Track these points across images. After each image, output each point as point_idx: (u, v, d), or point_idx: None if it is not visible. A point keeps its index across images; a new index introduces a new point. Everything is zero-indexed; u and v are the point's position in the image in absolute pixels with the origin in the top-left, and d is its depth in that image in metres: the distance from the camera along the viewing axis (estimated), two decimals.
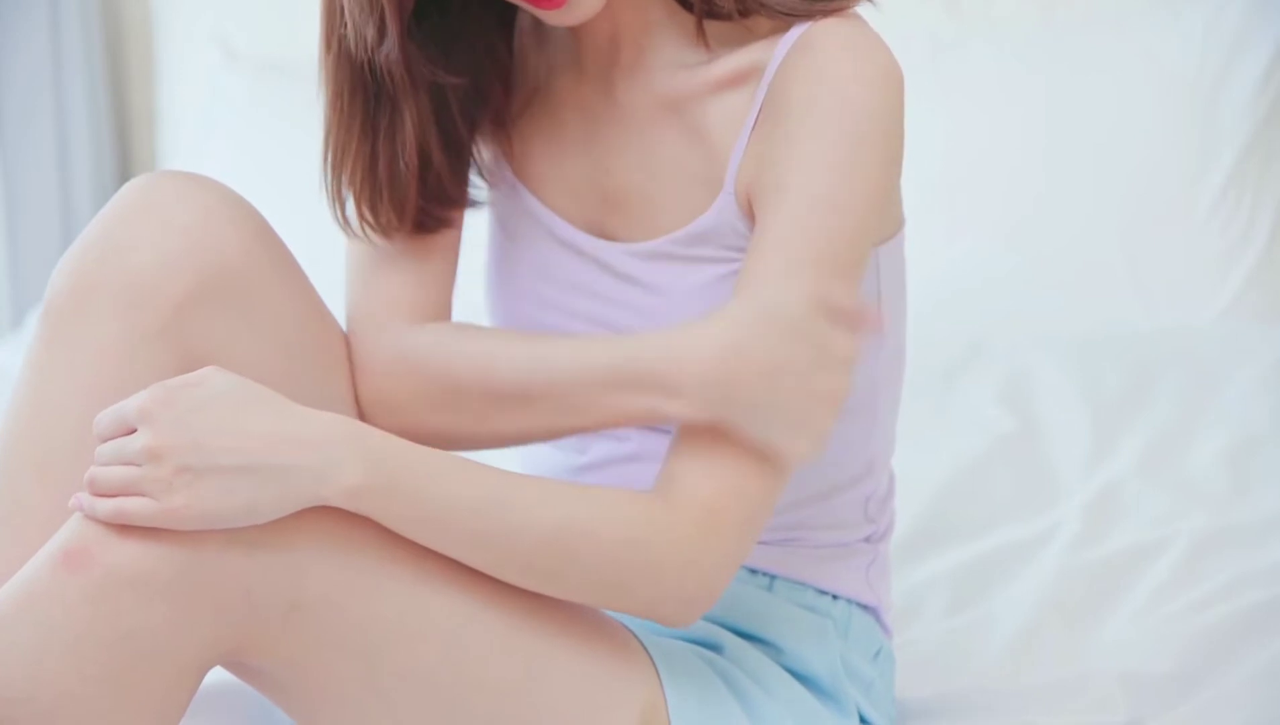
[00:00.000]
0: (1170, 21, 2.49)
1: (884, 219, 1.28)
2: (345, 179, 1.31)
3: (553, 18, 1.24)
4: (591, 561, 1.17)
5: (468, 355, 1.29)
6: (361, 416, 1.32)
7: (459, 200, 1.34)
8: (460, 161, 1.34)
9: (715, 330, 1.17)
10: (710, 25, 1.29)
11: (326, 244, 2.08)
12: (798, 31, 1.25)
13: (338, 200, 1.32)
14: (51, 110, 2.90)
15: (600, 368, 1.22)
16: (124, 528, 1.10)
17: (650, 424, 1.27)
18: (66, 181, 2.94)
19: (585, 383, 1.22)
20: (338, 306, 1.36)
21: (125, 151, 3.08)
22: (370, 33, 1.25)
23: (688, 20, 1.30)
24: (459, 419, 1.29)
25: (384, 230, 1.32)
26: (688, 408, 1.18)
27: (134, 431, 1.10)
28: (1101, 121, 2.46)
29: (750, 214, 1.26)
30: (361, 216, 1.31)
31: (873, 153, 1.22)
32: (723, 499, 1.18)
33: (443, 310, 1.36)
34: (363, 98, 1.29)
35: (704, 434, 1.19)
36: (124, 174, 3.06)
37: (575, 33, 1.33)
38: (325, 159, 1.31)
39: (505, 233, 1.39)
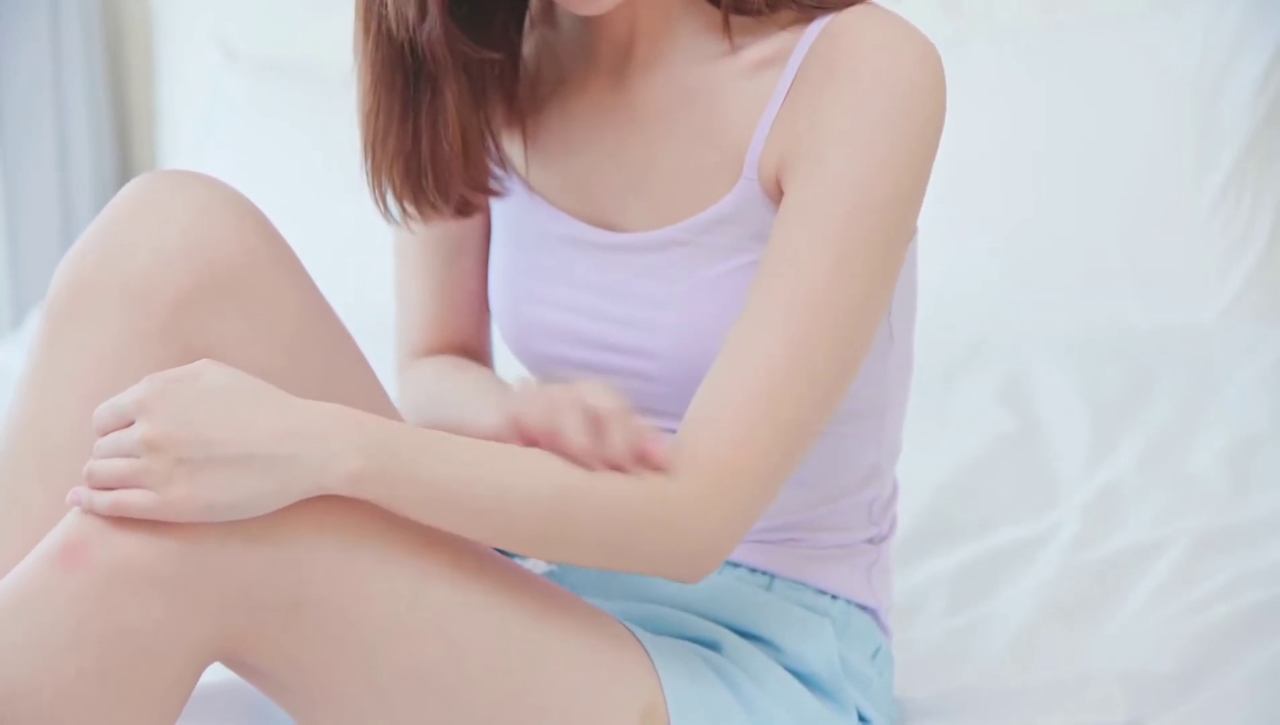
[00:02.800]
0: (1170, 22, 2.49)
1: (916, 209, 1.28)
2: (387, 165, 1.30)
3: (577, 7, 1.23)
4: (598, 526, 1.16)
5: (431, 413, 1.39)
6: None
7: (492, 184, 1.35)
8: (494, 144, 1.34)
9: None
10: (733, 19, 1.29)
11: (327, 244, 2.09)
12: (824, 21, 1.24)
13: (378, 188, 1.32)
14: (51, 110, 2.90)
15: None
16: (122, 523, 1.09)
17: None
18: (66, 181, 2.94)
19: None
20: (340, 305, 1.36)
21: (125, 151, 3.08)
22: (412, 12, 1.25)
23: (710, 13, 1.29)
24: None
25: (425, 216, 1.32)
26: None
27: (132, 424, 1.10)
28: (1102, 121, 2.46)
29: (776, 199, 1.26)
30: (401, 204, 1.32)
31: (910, 137, 1.21)
32: (735, 455, 1.18)
33: (469, 335, 1.45)
34: (403, 81, 1.28)
35: (718, 390, 1.19)
36: (124, 174, 3.06)
37: (591, 24, 1.32)
38: (366, 147, 1.31)
39: (510, 235, 1.39)
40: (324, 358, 1.30)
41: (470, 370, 1.41)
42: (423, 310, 1.44)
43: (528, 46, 1.37)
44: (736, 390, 1.18)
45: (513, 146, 1.38)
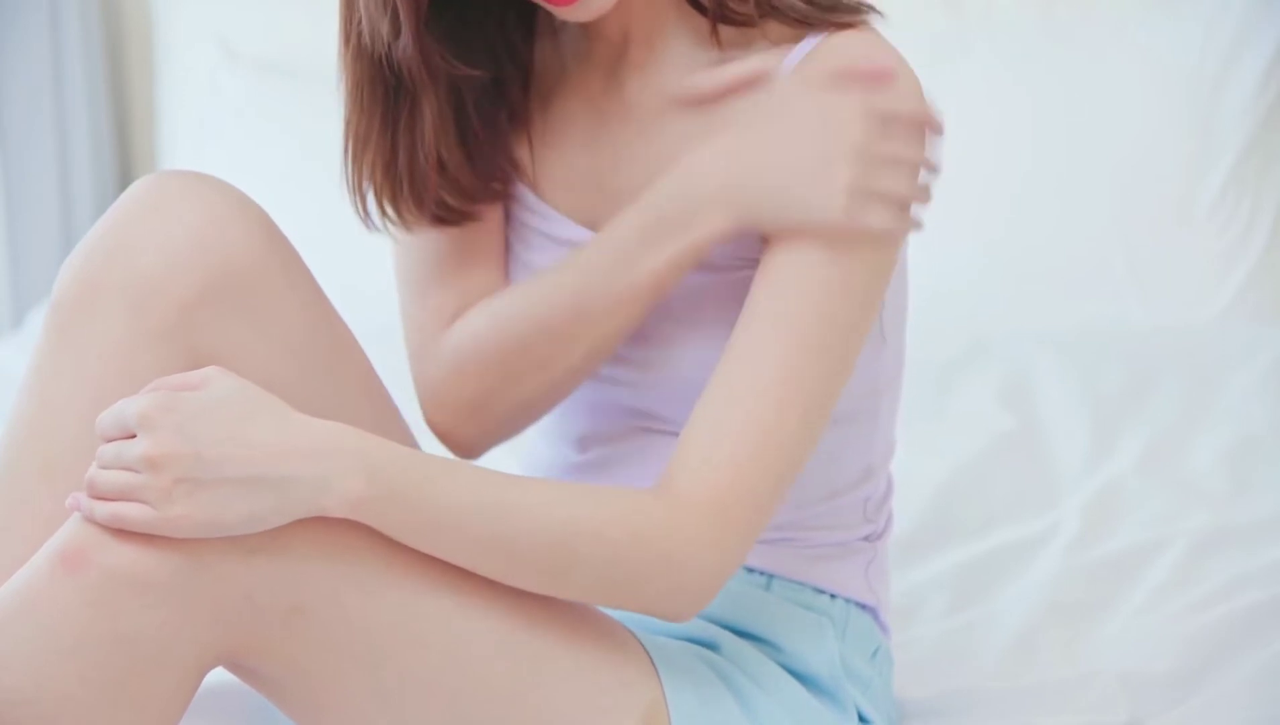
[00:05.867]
0: (1170, 22, 2.49)
1: None
2: (366, 171, 1.31)
3: (565, 14, 1.24)
4: (597, 561, 1.16)
5: (510, 313, 1.31)
6: (375, 427, 1.31)
7: (478, 195, 1.34)
8: (479, 156, 1.34)
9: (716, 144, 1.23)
10: (722, 29, 1.29)
11: (326, 244, 2.09)
12: (812, 43, 1.25)
13: (358, 193, 1.32)
14: (51, 110, 2.90)
15: (628, 237, 1.25)
16: (121, 531, 1.09)
17: (694, 265, 1.26)
18: (66, 181, 2.94)
19: (622, 260, 1.25)
20: (339, 305, 1.36)
21: (125, 151, 3.08)
22: (385, 28, 1.25)
23: (700, 23, 1.30)
24: (534, 376, 1.31)
25: (404, 223, 1.32)
26: (717, 220, 1.21)
27: (135, 435, 1.10)
28: (1101, 121, 2.46)
29: None
30: (382, 209, 1.32)
31: None
32: (731, 492, 1.18)
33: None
34: (382, 91, 1.29)
35: (711, 428, 1.19)
36: (124, 174, 3.06)
37: (586, 30, 1.32)
38: (346, 151, 1.31)
39: (515, 236, 1.39)
40: (329, 363, 1.30)
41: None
42: (447, 291, 1.37)
43: (536, 53, 1.37)
44: (728, 427, 1.19)
45: (520, 149, 1.38)
